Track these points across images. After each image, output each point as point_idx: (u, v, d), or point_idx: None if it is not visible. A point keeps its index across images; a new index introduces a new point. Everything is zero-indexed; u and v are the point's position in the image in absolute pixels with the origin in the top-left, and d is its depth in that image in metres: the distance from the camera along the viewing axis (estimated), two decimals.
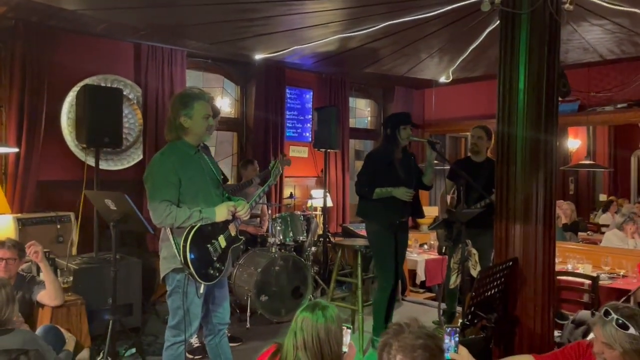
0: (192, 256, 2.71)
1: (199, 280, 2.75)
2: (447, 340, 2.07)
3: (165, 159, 2.79)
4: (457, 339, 2.10)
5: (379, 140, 4.29)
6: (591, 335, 2.67)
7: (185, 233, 2.72)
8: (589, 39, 4.69)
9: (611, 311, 2.00)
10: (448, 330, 2.09)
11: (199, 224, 2.75)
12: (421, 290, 6.05)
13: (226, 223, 2.89)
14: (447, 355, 2.04)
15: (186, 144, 2.86)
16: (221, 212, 2.83)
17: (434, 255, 5.96)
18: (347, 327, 1.98)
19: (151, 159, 2.88)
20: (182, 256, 2.70)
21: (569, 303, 4.28)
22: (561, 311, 4.18)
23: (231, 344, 3.45)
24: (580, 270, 4.73)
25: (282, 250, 4.96)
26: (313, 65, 6.16)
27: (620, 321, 1.96)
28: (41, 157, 4.72)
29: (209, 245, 2.81)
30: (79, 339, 3.48)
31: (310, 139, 6.86)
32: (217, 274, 2.85)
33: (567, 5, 3.21)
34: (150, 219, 2.87)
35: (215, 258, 2.83)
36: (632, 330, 1.94)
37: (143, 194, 5.07)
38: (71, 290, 3.79)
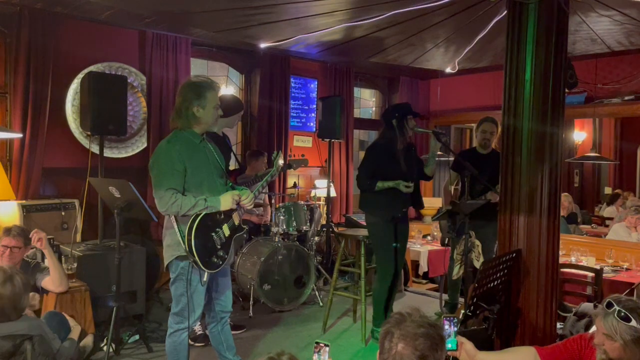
0: (197, 244, 2.72)
1: (203, 268, 2.77)
2: (446, 327, 2.06)
3: (171, 147, 2.79)
4: (456, 328, 2.10)
5: (380, 131, 4.26)
6: (593, 328, 2.67)
7: (190, 221, 2.73)
8: (597, 29, 4.64)
9: (614, 303, 2.00)
10: (446, 318, 2.08)
11: (203, 213, 2.75)
12: (424, 281, 6.06)
13: (230, 212, 2.90)
14: (448, 346, 2.01)
15: (192, 133, 2.87)
16: (226, 201, 2.83)
17: (437, 246, 5.97)
18: (325, 345, 1.96)
19: (157, 147, 2.88)
20: (186, 244, 2.71)
21: (572, 295, 4.28)
22: (564, 303, 4.18)
23: (234, 332, 3.47)
24: (583, 263, 4.72)
25: (285, 240, 4.97)
26: (318, 55, 6.13)
27: (623, 313, 1.96)
28: (46, 144, 4.74)
29: (213, 234, 2.82)
30: (83, 325, 3.51)
31: (314, 129, 6.84)
32: (221, 262, 2.86)
33: None
34: (154, 207, 2.88)
35: (219, 246, 2.84)
36: (633, 323, 1.94)
37: (147, 182, 5.10)
38: (75, 277, 3.81)
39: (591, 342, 2.15)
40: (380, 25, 4.64)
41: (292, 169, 3.53)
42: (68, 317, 3.36)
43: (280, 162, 3.28)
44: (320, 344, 1.93)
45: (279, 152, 3.32)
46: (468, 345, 2.14)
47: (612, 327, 1.96)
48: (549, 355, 2.22)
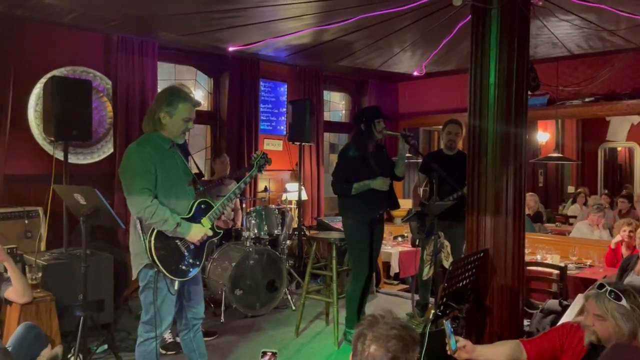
0: (160, 253, 2.70)
1: (170, 276, 2.73)
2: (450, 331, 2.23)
3: (142, 149, 2.76)
4: (451, 329, 2.24)
5: (350, 135, 4.31)
6: (564, 319, 2.76)
7: (150, 229, 2.70)
8: (557, 34, 4.78)
9: (605, 284, 2.10)
10: (447, 321, 2.27)
11: (166, 228, 2.71)
12: (395, 282, 6.11)
13: (198, 217, 2.86)
14: (453, 345, 2.22)
15: (162, 137, 2.84)
16: (196, 234, 2.80)
17: (407, 247, 6.03)
18: (273, 353, 1.95)
19: (127, 150, 2.84)
20: (149, 253, 2.69)
21: (538, 292, 4.39)
22: (530, 300, 4.29)
23: (206, 339, 3.43)
24: (549, 261, 4.85)
25: (257, 244, 4.94)
26: (287, 58, 6.13)
27: (614, 293, 2.05)
28: (8, 150, 4.60)
29: (177, 241, 2.78)
30: (49, 335, 3.42)
31: (284, 132, 6.83)
32: (191, 269, 2.83)
33: (536, 1, 3.27)
34: (121, 214, 2.84)
35: (186, 254, 2.81)
36: (624, 302, 2.03)
37: (114, 188, 5.01)
38: (40, 287, 3.71)
39: (572, 330, 2.25)
40: (348, 29, 4.68)
41: (265, 158, 3.46)
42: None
43: (264, 161, 3.21)
44: (268, 352, 1.93)
45: (261, 153, 3.26)
46: (469, 345, 2.26)
47: (604, 307, 2.04)
48: (533, 347, 2.31)
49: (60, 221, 4.41)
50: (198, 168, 3.70)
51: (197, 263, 2.87)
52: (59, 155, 4.53)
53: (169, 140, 2.85)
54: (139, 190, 2.67)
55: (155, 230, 2.69)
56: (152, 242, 2.68)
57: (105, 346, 3.77)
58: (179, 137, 2.90)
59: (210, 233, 2.87)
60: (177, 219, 2.72)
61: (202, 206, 2.90)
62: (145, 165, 2.71)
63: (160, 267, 2.70)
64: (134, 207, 2.70)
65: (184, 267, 2.79)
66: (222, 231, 3.04)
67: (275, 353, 1.95)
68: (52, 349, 3.23)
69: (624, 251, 4.57)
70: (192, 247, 2.83)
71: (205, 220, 2.88)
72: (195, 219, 2.84)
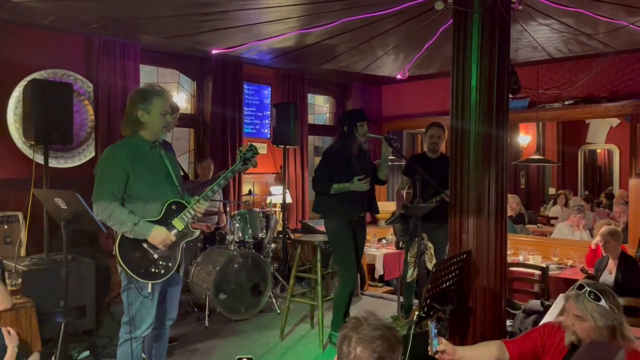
0: (127, 256, 2.70)
1: (140, 279, 2.72)
2: (433, 330, 2.26)
3: (115, 153, 2.77)
4: (435, 331, 2.26)
5: (335, 137, 4.33)
6: (546, 319, 2.80)
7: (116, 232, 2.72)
8: (537, 37, 4.86)
9: (585, 285, 2.13)
10: (432, 322, 2.29)
11: (124, 229, 2.68)
12: (380, 284, 6.14)
13: (169, 218, 2.82)
14: (434, 346, 2.24)
15: (141, 139, 2.83)
16: (157, 235, 2.73)
17: (392, 249, 6.07)
18: (249, 359, 1.96)
19: (103, 152, 2.85)
20: (116, 256, 2.70)
21: (520, 293, 4.44)
22: (513, 301, 4.34)
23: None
24: (530, 262, 4.91)
25: (241, 248, 4.92)
26: (271, 61, 6.12)
27: (593, 294, 2.08)
28: None
29: (144, 244, 2.75)
30: (29, 342, 3.36)
31: (269, 135, 6.83)
32: (164, 272, 2.79)
33: (516, 5, 3.32)
34: None
35: (156, 256, 2.77)
36: (603, 303, 2.06)
37: None
38: (20, 293, 3.65)
39: (553, 330, 2.28)
40: (331, 33, 4.69)
41: (253, 151, 3.41)
42: (7, 334, 3.14)
43: (252, 154, 3.07)
44: (244, 359, 1.94)
45: (250, 145, 3.16)
46: (449, 348, 2.26)
47: (584, 307, 2.07)
48: (515, 347, 2.34)
49: (41, 226, 4.35)
50: (182, 170, 3.72)
51: (170, 265, 2.81)
52: (39, 159, 4.47)
53: (148, 142, 2.84)
54: (100, 194, 2.69)
55: (120, 234, 2.70)
56: (118, 244, 2.69)
57: (87, 352, 3.72)
58: (161, 133, 2.89)
59: (173, 239, 2.80)
60: (134, 219, 2.69)
61: (173, 207, 2.85)
62: (112, 170, 2.72)
63: (127, 270, 2.69)
64: (94, 209, 2.74)
65: (154, 270, 2.76)
66: (198, 230, 2.98)
67: (251, 358, 1.97)
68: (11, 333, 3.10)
69: (604, 252, 4.65)
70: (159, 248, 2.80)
71: (176, 222, 2.84)
72: (165, 220, 2.81)
